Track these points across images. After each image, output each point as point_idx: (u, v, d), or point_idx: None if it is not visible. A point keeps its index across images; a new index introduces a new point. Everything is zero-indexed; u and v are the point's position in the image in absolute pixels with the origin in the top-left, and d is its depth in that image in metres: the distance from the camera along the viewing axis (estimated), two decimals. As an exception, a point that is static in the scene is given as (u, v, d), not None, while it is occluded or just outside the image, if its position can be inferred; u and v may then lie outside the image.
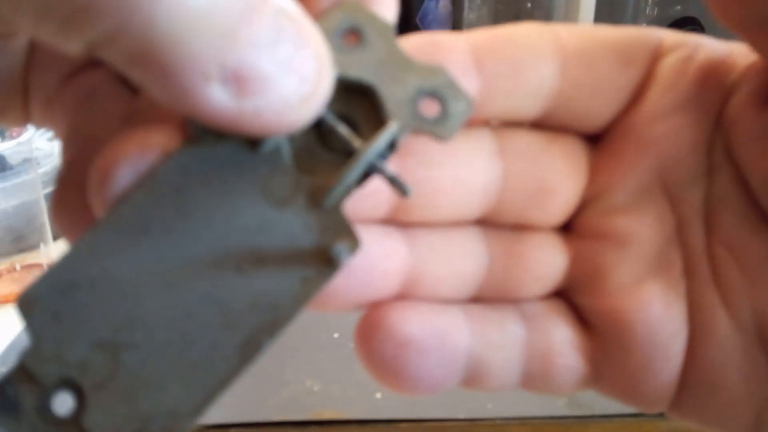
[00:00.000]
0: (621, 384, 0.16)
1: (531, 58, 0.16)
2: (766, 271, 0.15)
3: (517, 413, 0.33)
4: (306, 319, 0.42)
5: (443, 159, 0.16)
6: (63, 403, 0.12)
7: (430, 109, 0.13)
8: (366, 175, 0.13)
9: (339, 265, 0.13)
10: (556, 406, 0.33)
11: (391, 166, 0.13)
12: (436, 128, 0.13)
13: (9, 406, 0.12)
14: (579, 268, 0.17)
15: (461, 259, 0.17)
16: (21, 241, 0.48)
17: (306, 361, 0.37)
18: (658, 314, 0.16)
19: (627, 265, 0.16)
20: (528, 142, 0.17)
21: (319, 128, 0.13)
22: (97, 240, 0.12)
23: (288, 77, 0.11)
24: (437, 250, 0.16)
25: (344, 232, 0.13)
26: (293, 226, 0.13)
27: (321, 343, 0.39)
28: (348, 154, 0.13)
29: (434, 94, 0.13)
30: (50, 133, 0.60)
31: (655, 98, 0.16)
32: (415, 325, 0.15)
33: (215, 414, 0.33)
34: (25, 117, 0.17)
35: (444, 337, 0.16)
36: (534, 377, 0.17)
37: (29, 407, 0.12)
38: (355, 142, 0.13)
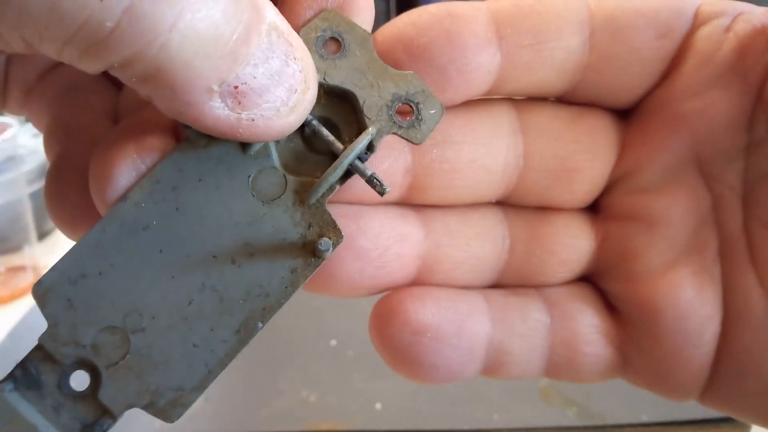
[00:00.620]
0: (650, 372, 0.16)
1: (556, 29, 0.15)
2: None
3: (524, 424, 0.31)
4: (301, 325, 0.40)
5: (460, 138, 0.16)
6: (80, 381, 0.14)
7: (404, 114, 0.15)
8: (347, 174, 0.14)
9: (324, 256, 0.14)
10: (566, 417, 0.32)
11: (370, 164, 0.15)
12: (410, 132, 0.15)
13: (32, 383, 0.14)
14: (607, 251, 0.17)
15: (480, 243, 0.16)
16: (4, 242, 0.46)
17: (301, 370, 0.36)
18: (690, 299, 0.15)
19: (658, 248, 0.16)
20: (552, 117, 0.16)
21: (303, 131, 0.15)
22: (102, 235, 0.14)
23: (278, 89, 0.13)
24: (455, 233, 0.16)
25: (328, 226, 0.14)
26: (281, 221, 0.14)
27: (317, 351, 0.38)
28: (330, 154, 0.14)
29: (408, 101, 0.15)
30: (34, 131, 0.58)
31: (691, 71, 0.15)
32: (432, 311, 0.15)
33: (207, 425, 0.32)
34: (2, 104, 0.17)
35: (462, 324, 0.15)
36: (559, 366, 0.16)
37: (50, 384, 0.14)
38: (337, 144, 0.14)
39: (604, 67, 0.16)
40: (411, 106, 0.15)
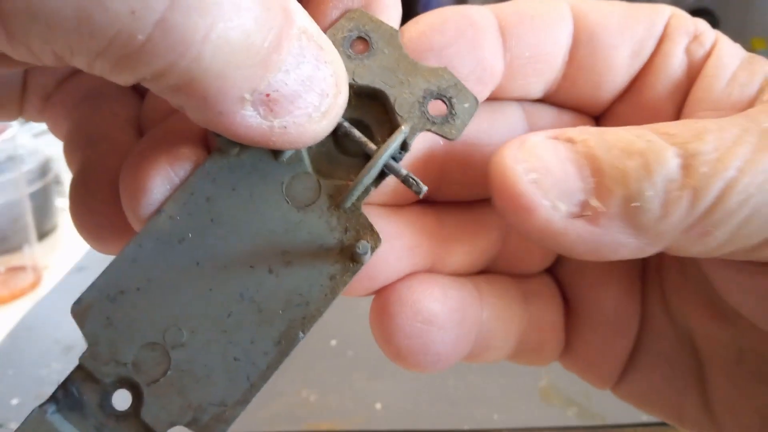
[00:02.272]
0: (583, 359, 0.18)
1: (552, 42, 0.16)
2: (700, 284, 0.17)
3: (524, 424, 0.31)
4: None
5: (485, 137, 0.16)
6: (122, 400, 0.14)
7: (437, 110, 0.14)
8: (381, 175, 0.14)
9: (363, 261, 0.14)
10: (566, 417, 0.32)
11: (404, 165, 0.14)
12: (444, 128, 0.14)
13: (74, 404, 0.14)
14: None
15: (485, 234, 0.17)
16: (4, 242, 0.46)
17: (301, 370, 0.36)
18: (621, 301, 0.18)
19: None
20: (549, 115, 0.17)
21: (335, 134, 0.14)
22: (138, 250, 0.14)
23: (310, 94, 0.13)
24: (464, 227, 0.17)
25: (365, 229, 0.14)
26: (317, 226, 0.14)
27: (317, 351, 0.38)
28: (364, 156, 0.14)
29: (441, 96, 0.14)
30: (35, 130, 0.58)
31: (648, 87, 0.17)
32: (440, 300, 0.15)
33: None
34: (18, 111, 0.17)
35: (465, 312, 0.16)
36: (525, 350, 0.18)
37: (92, 404, 0.14)
38: (370, 145, 0.14)
39: (578, 77, 0.16)
40: (444, 101, 0.14)
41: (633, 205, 0.13)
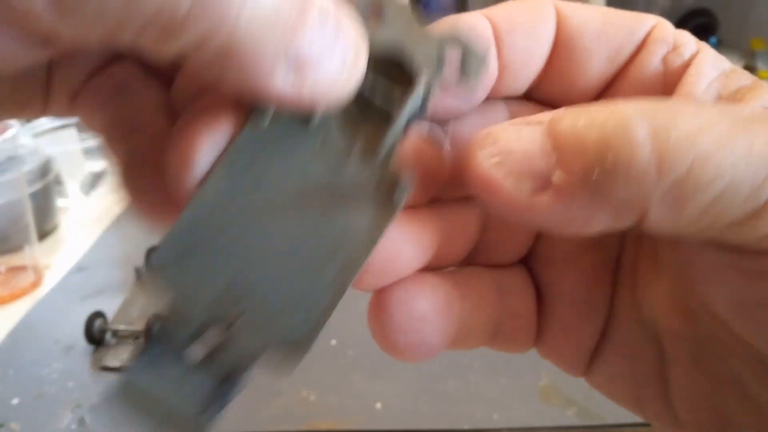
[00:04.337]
0: (554, 346, 0.19)
1: (537, 47, 0.17)
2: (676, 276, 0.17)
3: (524, 424, 0.31)
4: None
5: (469, 134, 0.17)
6: (205, 343, 0.15)
7: (452, 69, 0.15)
8: (406, 129, 0.15)
9: (399, 204, 0.15)
10: (566, 416, 0.32)
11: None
12: (460, 85, 0.15)
13: (154, 358, 0.15)
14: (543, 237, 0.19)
15: (469, 228, 0.18)
16: (4, 242, 0.46)
17: (301, 370, 0.35)
18: (590, 292, 0.19)
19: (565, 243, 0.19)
20: (531, 111, 0.17)
21: (357, 99, 0.15)
22: (196, 212, 0.15)
23: (334, 57, 0.14)
24: (455, 223, 0.18)
25: (398, 178, 0.15)
26: (355, 179, 0.15)
27: (317, 351, 0.37)
28: (386, 115, 0.15)
29: (454, 56, 0.15)
30: (35, 130, 0.58)
31: (622, 91, 0.18)
32: (430, 299, 0.17)
33: (205, 426, 0.32)
34: (43, 109, 0.18)
35: (449, 307, 0.17)
36: (501, 338, 0.19)
37: (172, 357, 0.15)
38: (393, 103, 0.15)
39: (556, 77, 0.18)
40: (459, 60, 0.15)
41: (595, 175, 0.13)
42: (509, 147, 0.14)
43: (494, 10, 0.17)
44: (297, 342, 0.14)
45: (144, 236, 0.54)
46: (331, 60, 0.14)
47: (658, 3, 1.15)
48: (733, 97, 0.16)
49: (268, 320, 0.15)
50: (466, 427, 0.31)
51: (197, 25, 0.12)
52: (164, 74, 0.17)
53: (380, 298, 0.17)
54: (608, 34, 0.18)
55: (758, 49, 1.00)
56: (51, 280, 0.48)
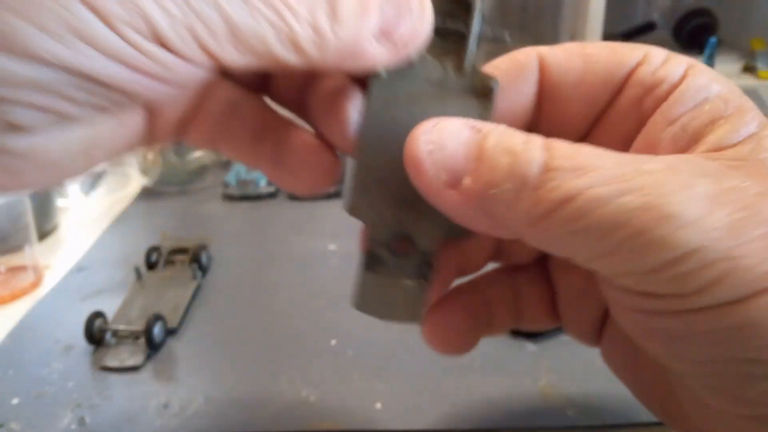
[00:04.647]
0: (569, 329, 0.25)
1: (523, 97, 0.21)
2: None
3: (524, 424, 0.31)
4: (301, 325, 0.40)
5: None
6: (400, 247, 0.21)
7: None
8: (478, 40, 0.20)
9: (495, 93, 0.20)
10: (566, 416, 0.32)
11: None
12: None
13: (376, 262, 0.22)
14: None
15: (487, 244, 0.25)
16: (5, 243, 0.46)
17: (301, 370, 0.36)
18: (587, 285, 0.24)
19: None
20: None
21: (435, 31, 0.20)
22: (360, 159, 0.20)
23: (405, 15, 0.18)
24: (477, 242, 0.24)
25: (486, 77, 0.20)
26: (457, 90, 0.20)
27: (317, 351, 0.38)
28: (462, 36, 0.20)
29: None
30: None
31: (603, 133, 0.21)
32: (463, 317, 0.24)
33: (207, 425, 0.32)
34: (173, 136, 0.22)
35: (478, 317, 0.24)
36: (525, 322, 0.25)
37: (386, 256, 0.21)
38: (463, 24, 0.20)
39: (544, 121, 0.22)
40: None
41: (491, 192, 0.17)
42: (445, 142, 0.17)
43: (486, 68, 0.21)
44: (459, 232, 0.20)
45: (143, 236, 0.54)
46: (405, 17, 0.18)
47: (658, 3, 1.14)
48: (699, 133, 0.18)
49: (434, 223, 0.20)
50: (466, 427, 0.31)
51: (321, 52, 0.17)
52: (247, 82, 0.22)
53: (430, 319, 0.24)
54: (586, 83, 0.20)
55: (758, 49, 1.00)
56: (51, 280, 0.48)
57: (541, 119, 0.22)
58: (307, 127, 0.22)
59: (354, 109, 0.20)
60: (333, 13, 0.16)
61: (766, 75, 0.95)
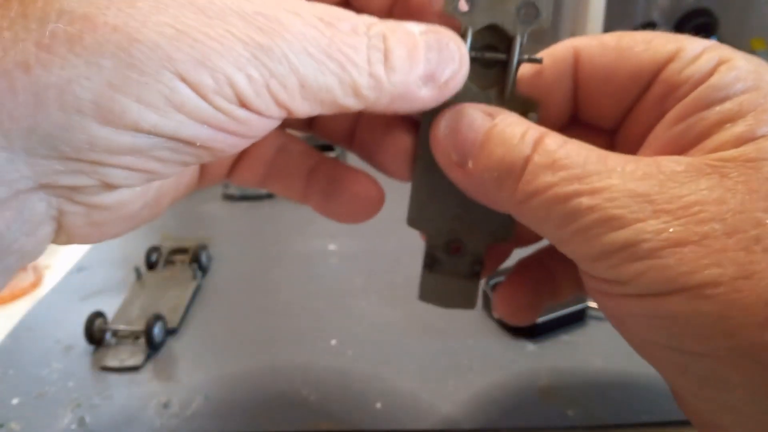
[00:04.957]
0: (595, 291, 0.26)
1: (560, 90, 0.24)
2: None
3: (524, 423, 0.31)
4: (302, 325, 0.40)
5: None
6: (454, 249, 0.25)
7: (528, 13, 0.22)
8: (517, 67, 0.22)
9: (534, 116, 0.22)
10: (566, 416, 0.32)
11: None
12: (539, 22, 0.22)
13: (435, 262, 0.26)
14: None
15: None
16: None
17: (301, 370, 0.36)
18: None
19: None
20: (579, 135, 0.21)
21: (479, 60, 0.22)
22: (418, 181, 0.24)
23: (446, 60, 0.20)
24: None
25: (527, 101, 0.22)
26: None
27: (317, 351, 0.38)
28: (500, 63, 0.22)
29: (527, 3, 0.21)
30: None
31: (632, 129, 0.23)
32: (528, 291, 0.28)
33: (207, 425, 0.32)
34: (221, 176, 0.25)
35: (539, 291, 0.28)
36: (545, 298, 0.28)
37: (444, 257, 0.25)
38: (503, 55, 0.22)
39: (583, 110, 0.24)
40: (531, 6, 0.21)
41: (484, 175, 0.20)
42: (460, 127, 0.21)
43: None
44: (501, 237, 0.25)
45: (143, 237, 0.54)
46: (447, 62, 0.20)
47: (658, 3, 1.14)
48: (705, 134, 0.19)
49: (481, 231, 0.24)
50: (465, 427, 0.31)
51: (383, 91, 0.19)
52: (293, 122, 0.25)
53: (500, 296, 0.27)
54: (615, 79, 0.22)
55: (758, 48, 1.00)
56: (51, 280, 0.48)
57: (579, 110, 0.24)
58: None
59: (403, 141, 0.23)
60: (387, 62, 0.18)
61: None
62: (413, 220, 0.25)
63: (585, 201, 0.18)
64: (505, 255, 0.28)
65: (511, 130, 0.20)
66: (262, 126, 0.18)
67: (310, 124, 0.26)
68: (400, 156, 0.23)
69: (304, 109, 0.18)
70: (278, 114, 0.17)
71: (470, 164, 0.20)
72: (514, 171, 0.19)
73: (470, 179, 0.20)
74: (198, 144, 0.17)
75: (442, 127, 0.21)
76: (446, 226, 0.24)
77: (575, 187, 0.18)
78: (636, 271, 0.17)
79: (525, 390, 0.34)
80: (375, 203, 0.25)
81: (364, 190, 0.25)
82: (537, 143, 0.19)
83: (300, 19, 0.17)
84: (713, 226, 0.16)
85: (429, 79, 0.19)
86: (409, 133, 0.24)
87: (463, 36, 0.22)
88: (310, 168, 0.25)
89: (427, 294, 0.26)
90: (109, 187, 0.17)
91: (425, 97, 0.19)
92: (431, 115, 0.22)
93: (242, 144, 0.18)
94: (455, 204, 0.24)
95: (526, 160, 0.19)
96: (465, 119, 0.21)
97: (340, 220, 0.25)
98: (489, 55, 0.22)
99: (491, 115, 0.20)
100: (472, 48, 0.22)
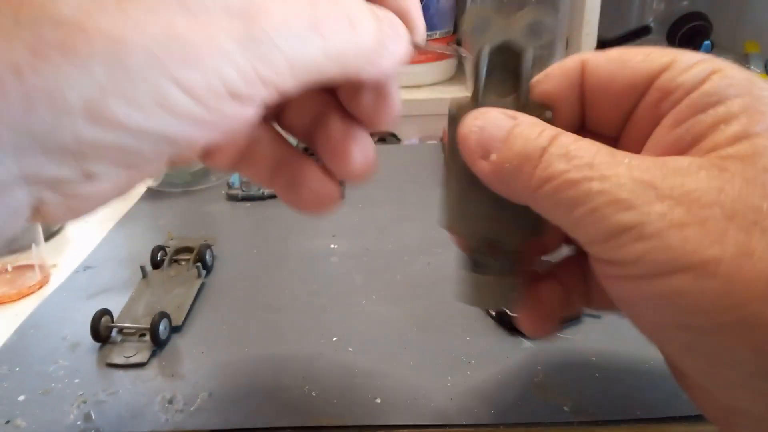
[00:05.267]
0: (598, 302, 0.29)
1: (569, 99, 0.25)
2: None
3: (520, 419, 0.32)
4: (303, 322, 0.41)
5: None
6: (491, 251, 0.26)
7: (536, 30, 0.24)
8: (529, 77, 0.24)
9: (551, 116, 0.24)
10: (562, 412, 0.32)
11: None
12: (545, 37, 0.24)
13: (480, 265, 0.27)
14: None
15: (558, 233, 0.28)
16: (12, 243, 0.47)
17: (302, 366, 0.36)
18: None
19: None
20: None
21: (496, 75, 0.24)
22: (448, 186, 0.26)
23: (398, 39, 0.23)
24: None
25: (542, 108, 0.24)
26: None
27: (318, 347, 0.38)
28: (515, 76, 0.24)
29: (533, 23, 0.24)
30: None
31: (630, 131, 0.24)
32: (549, 298, 0.28)
33: (209, 421, 0.32)
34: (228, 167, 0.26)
35: (556, 297, 0.28)
36: (564, 308, 0.29)
37: (485, 259, 0.26)
38: (518, 69, 0.24)
39: (590, 117, 0.25)
40: (538, 23, 0.23)
41: (506, 165, 0.21)
42: (484, 126, 0.23)
43: (540, 87, 0.25)
44: (534, 233, 0.25)
45: (149, 237, 0.54)
46: (398, 37, 0.22)
47: (652, 7, 1.15)
48: (701, 135, 0.20)
49: (515, 231, 0.25)
50: (463, 422, 0.32)
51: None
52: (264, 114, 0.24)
53: (521, 312, 0.28)
54: (613, 88, 0.23)
55: (752, 51, 1.01)
56: (57, 278, 0.48)
57: (585, 119, 0.25)
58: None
59: (357, 149, 0.24)
60: (353, 28, 0.20)
61: (761, 77, 0.95)
62: (450, 226, 0.26)
63: (595, 185, 0.19)
64: (542, 251, 0.29)
65: (531, 128, 0.21)
66: (246, 117, 0.18)
67: (278, 117, 0.26)
68: (349, 163, 0.24)
69: (291, 84, 0.18)
70: (267, 95, 0.18)
71: (493, 156, 0.22)
72: (531, 160, 0.21)
73: (493, 170, 0.22)
74: (182, 140, 0.17)
75: (470, 125, 0.23)
76: (482, 228, 0.25)
77: (586, 173, 0.19)
78: (642, 250, 0.18)
79: (521, 386, 0.34)
80: (331, 201, 0.26)
81: (322, 187, 0.25)
82: (553, 138, 0.21)
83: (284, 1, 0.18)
84: (714, 210, 0.17)
85: (384, 48, 0.21)
86: (363, 142, 0.25)
87: (480, 53, 0.24)
88: (278, 157, 0.26)
89: (467, 295, 0.27)
90: (92, 178, 0.17)
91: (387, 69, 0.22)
92: (457, 121, 0.24)
93: (227, 138, 0.19)
94: (487, 206, 0.24)
95: (543, 151, 0.20)
96: (490, 119, 0.22)
97: (299, 211, 0.26)
98: (505, 69, 0.24)
99: (513, 117, 0.22)
100: (489, 62, 0.24)
